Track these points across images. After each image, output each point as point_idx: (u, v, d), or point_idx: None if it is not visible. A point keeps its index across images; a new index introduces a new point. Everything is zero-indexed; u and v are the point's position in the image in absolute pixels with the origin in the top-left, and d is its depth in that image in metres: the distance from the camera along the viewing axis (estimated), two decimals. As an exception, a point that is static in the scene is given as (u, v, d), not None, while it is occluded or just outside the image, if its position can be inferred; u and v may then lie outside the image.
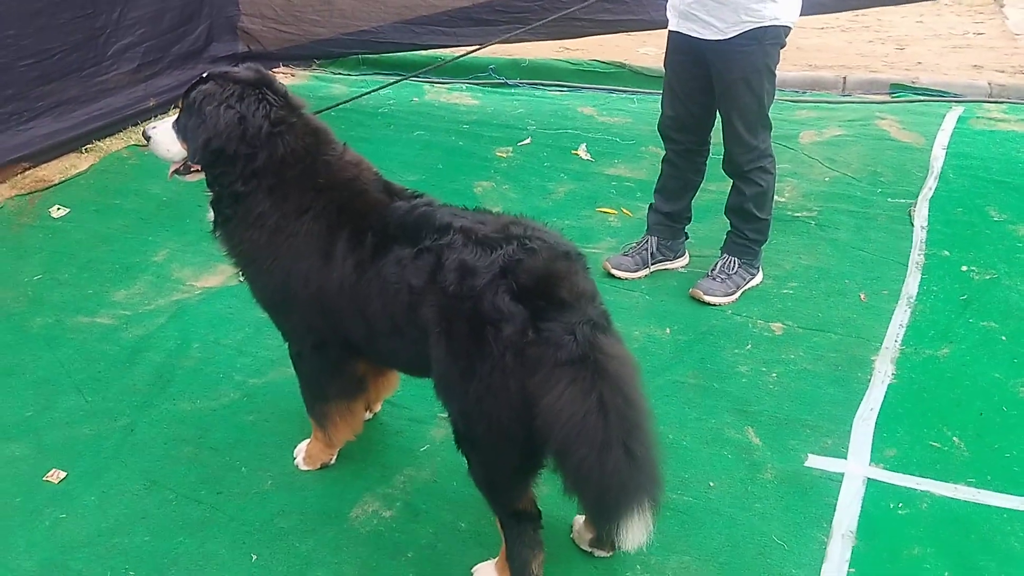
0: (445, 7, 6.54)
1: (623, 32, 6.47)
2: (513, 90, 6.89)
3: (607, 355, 2.32)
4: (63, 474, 3.15)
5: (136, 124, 6.09)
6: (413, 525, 2.94)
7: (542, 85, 6.97)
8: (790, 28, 3.79)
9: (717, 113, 4.06)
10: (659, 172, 4.35)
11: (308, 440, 3.19)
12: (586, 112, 6.45)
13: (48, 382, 3.63)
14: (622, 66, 6.99)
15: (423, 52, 6.88)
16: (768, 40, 3.72)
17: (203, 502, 3.04)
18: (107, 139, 5.87)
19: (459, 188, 5.18)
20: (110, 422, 3.41)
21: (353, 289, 2.69)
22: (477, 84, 6.99)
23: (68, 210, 4.99)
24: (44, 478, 3.14)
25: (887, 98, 6.57)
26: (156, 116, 6.22)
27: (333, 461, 3.18)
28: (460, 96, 6.79)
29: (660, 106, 4.20)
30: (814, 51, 7.44)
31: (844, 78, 6.74)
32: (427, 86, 6.94)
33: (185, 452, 3.26)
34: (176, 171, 2.95)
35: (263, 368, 3.70)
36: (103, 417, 3.44)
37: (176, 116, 2.86)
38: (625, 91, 6.82)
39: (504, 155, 5.71)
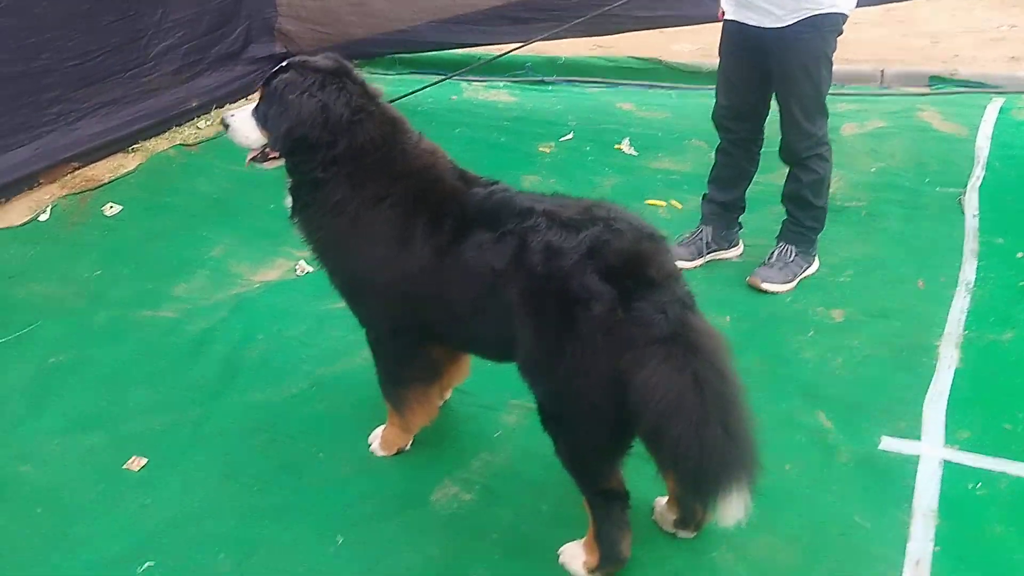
0: (481, 6, 6.56)
1: (660, 28, 6.49)
2: (550, 87, 6.92)
3: (699, 332, 2.34)
4: (143, 461, 3.18)
5: (179, 125, 6.14)
6: (494, 508, 2.96)
7: (578, 82, 6.99)
8: (847, 16, 3.80)
9: (771, 102, 4.07)
10: (713, 162, 4.36)
11: (383, 426, 3.21)
12: (625, 107, 6.47)
13: (117, 375, 3.67)
14: (658, 62, 7.01)
15: (459, 51, 6.91)
16: (827, 28, 3.74)
17: (283, 488, 3.06)
18: (152, 139, 5.91)
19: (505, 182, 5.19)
20: (183, 412, 3.44)
21: (432, 274, 2.72)
22: (514, 82, 7.01)
23: (120, 208, 5.02)
24: (124, 466, 3.17)
25: (926, 90, 6.57)
26: (199, 116, 6.28)
27: (408, 447, 3.20)
28: (498, 94, 6.82)
29: (715, 96, 4.22)
30: (850, 45, 7.39)
31: (882, 71, 6.74)
32: (464, 84, 6.97)
33: (261, 440, 3.29)
34: (253, 158, 2.97)
35: (329, 358, 3.73)
36: (176, 408, 3.46)
37: (255, 104, 2.88)
38: (662, 86, 6.83)
39: (547, 150, 5.73)
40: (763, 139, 4.24)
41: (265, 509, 2.98)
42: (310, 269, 4.39)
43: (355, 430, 3.32)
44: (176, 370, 3.69)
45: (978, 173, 5.21)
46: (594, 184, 5.26)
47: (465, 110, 6.47)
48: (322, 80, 2.75)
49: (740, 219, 4.42)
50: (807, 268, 4.20)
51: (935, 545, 2.76)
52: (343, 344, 3.80)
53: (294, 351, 3.78)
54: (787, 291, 4.11)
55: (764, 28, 3.78)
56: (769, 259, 4.17)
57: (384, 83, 6.79)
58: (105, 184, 5.33)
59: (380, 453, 3.19)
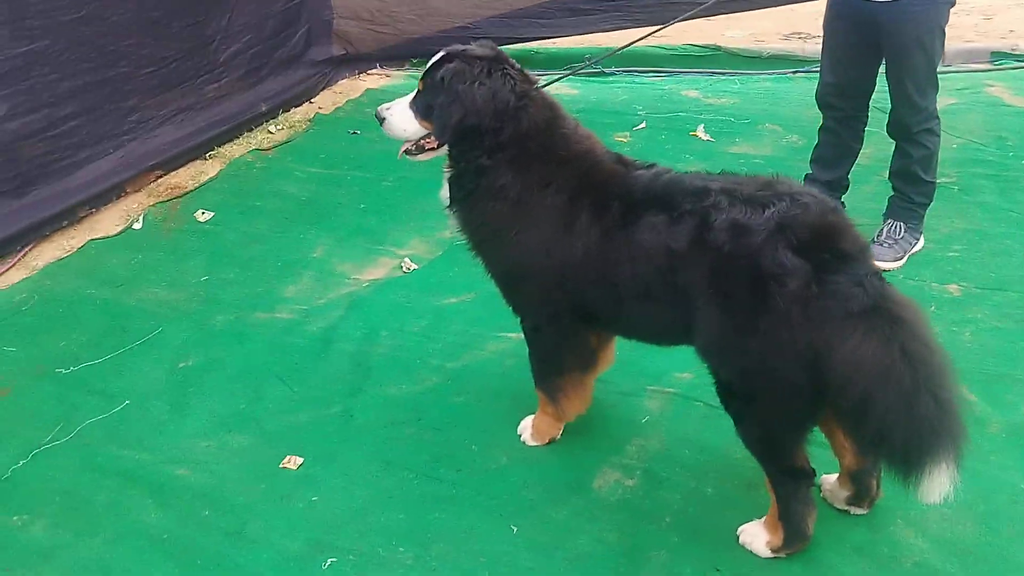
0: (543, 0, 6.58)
1: (724, 14, 6.48)
2: (610, 78, 6.91)
3: (899, 304, 2.36)
4: (299, 460, 3.20)
5: (250, 130, 6.14)
6: (660, 492, 2.98)
7: (638, 72, 6.98)
8: None
9: (877, 79, 4.09)
10: (816, 142, 4.37)
11: (534, 416, 3.23)
12: (691, 95, 6.48)
13: (248, 375, 3.69)
14: (717, 48, 7.01)
15: (522, 46, 6.92)
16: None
17: (444, 479, 3.08)
18: (227, 145, 5.91)
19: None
20: (325, 409, 3.46)
21: (599, 258, 2.74)
22: (575, 75, 6.98)
23: (212, 214, 5.04)
24: (281, 465, 3.20)
25: (989, 66, 6.56)
26: (267, 120, 6.29)
27: (559, 436, 3.21)
28: (559, 87, 6.77)
29: (819, 74, 4.23)
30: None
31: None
32: (524, 78, 6.96)
33: (408, 433, 3.31)
34: (407, 151, 2.99)
35: (455, 352, 3.75)
36: (316, 404, 3.49)
37: (413, 96, 2.89)
38: (724, 73, 6.82)
39: (624, 140, 5.74)
40: (868, 116, 4.24)
41: (431, 500, 3.00)
42: (415, 266, 4.42)
43: (499, 421, 3.34)
44: (307, 368, 3.71)
45: (1063, 144, 5.22)
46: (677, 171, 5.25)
47: (531, 104, 6.45)
48: (488, 68, 2.77)
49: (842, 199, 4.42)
50: (916, 244, 4.21)
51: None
52: (465, 338, 3.83)
53: (420, 346, 3.80)
54: (898, 268, 4.12)
55: (877, 2, 3.77)
56: (878, 236, 4.18)
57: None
58: (191, 191, 5.34)
59: (532, 443, 3.21)
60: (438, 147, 2.94)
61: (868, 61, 4.03)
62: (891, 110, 4.05)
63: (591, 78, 6.94)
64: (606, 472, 3.08)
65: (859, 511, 2.83)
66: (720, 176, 2.72)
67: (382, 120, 2.98)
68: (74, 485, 3.15)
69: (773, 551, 2.69)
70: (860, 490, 2.79)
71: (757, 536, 2.72)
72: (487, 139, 2.78)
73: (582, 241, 2.76)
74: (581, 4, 6.57)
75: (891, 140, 4.16)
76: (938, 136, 4.06)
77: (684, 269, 2.58)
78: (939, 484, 2.28)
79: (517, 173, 2.80)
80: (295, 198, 5.21)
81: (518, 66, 2.92)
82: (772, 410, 2.53)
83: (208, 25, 5.93)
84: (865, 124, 4.26)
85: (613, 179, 2.80)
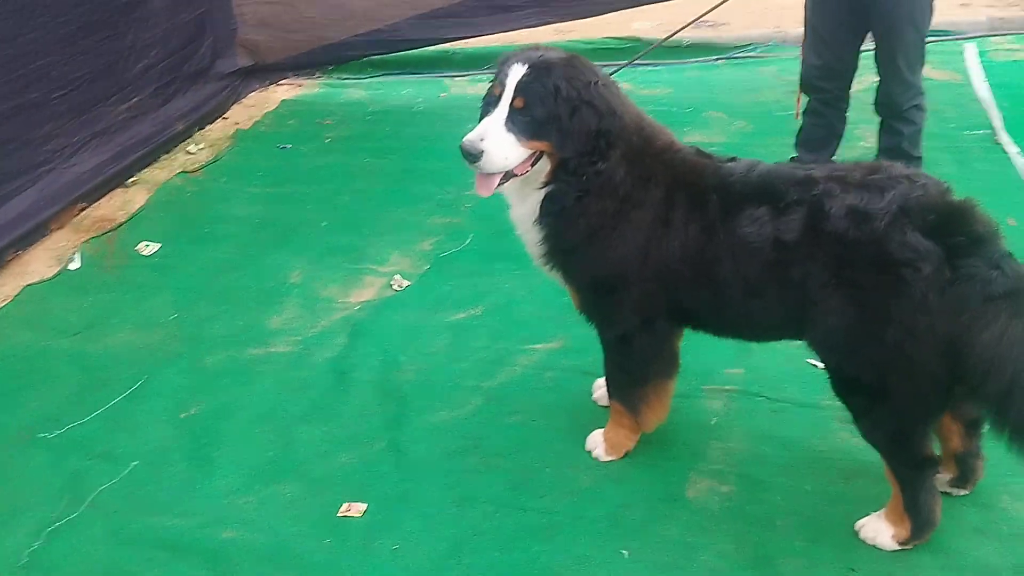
0: (461, -2, 6.37)
1: (651, 4, 6.46)
2: (535, 75, 6.76)
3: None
4: (363, 506, 2.91)
5: (167, 152, 5.67)
6: (760, 495, 2.88)
7: (561, 67, 6.86)
8: None
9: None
10: (800, 125, 4.36)
11: (604, 430, 3.08)
12: (624, 88, 6.38)
13: (267, 419, 3.37)
14: (637, 40, 6.98)
15: (439, 47, 6.71)
16: (929, -22, 3.80)
17: (531, 508, 2.88)
18: (147, 169, 5.47)
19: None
20: (368, 446, 3.19)
21: (701, 254, 2.61)
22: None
23: (158, 245, 4.61)
24: (340, 514, 2.90)
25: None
26: (184, 140, 5.83)
27: (632, 448, 3.05)
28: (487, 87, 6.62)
29: (802, 58, 4.23)
30: (779, 8, 7.60)
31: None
32: (447, 81, 6.77)
33: (472, 463, 3.09)
34: (503, 179, 2.69)
35: (488, 371, 3.54)
36: (356, 443, 3.21)
37: (504, 116, 2.60)
38: (646, 64, 6.78)
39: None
40: (850, 97, 4.26)
41: (526, 532, 2.79)
42: (407, 283, 4.18)
43: (563, 438, 3.18)
44: (330, 405, 3.41)
45: (994, 114, 5.42)
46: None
47: (465, 106, 6.19)
48: (585, 68, 2.59)
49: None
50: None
51: None
52: (493, 354, 3.63)
53: (447, 368, 3.56)
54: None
55: None
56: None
57: (361, 88, 6.58)
58: (123, 223, 4.88)
59: (607, 458, 3.04)
60: (534, 164, 2.68)
61: (854, 41, 4.06)
62: (880, 89, 4.09)
63: (515, 76, 6.77)
64: (696, 480, 2.94)
65: (962, 492, 2.79)
66: (819, 165, 2.62)
67: (477, 155, 2.56)
68: (111, 562, 2.76)
69: (900, 543, 2.61)
70: (965, 472, 2.75)
71: (881, 531, 2.64)
72: (602, 140, 2.58)
73: (680, 237, 2.63)
74: (503, 1, 6.38)
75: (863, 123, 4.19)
76: (925, 111, 4.13)
77: (798, 261, 2.47)
78: None
79: (627, 169, 2.64)
80: (247, 221, 4.83)
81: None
82: (904, 402, 2.45)
83: (118, 39, 5.43)
84: (848, 105, 4.29)
85: (705, 172, 2.67)
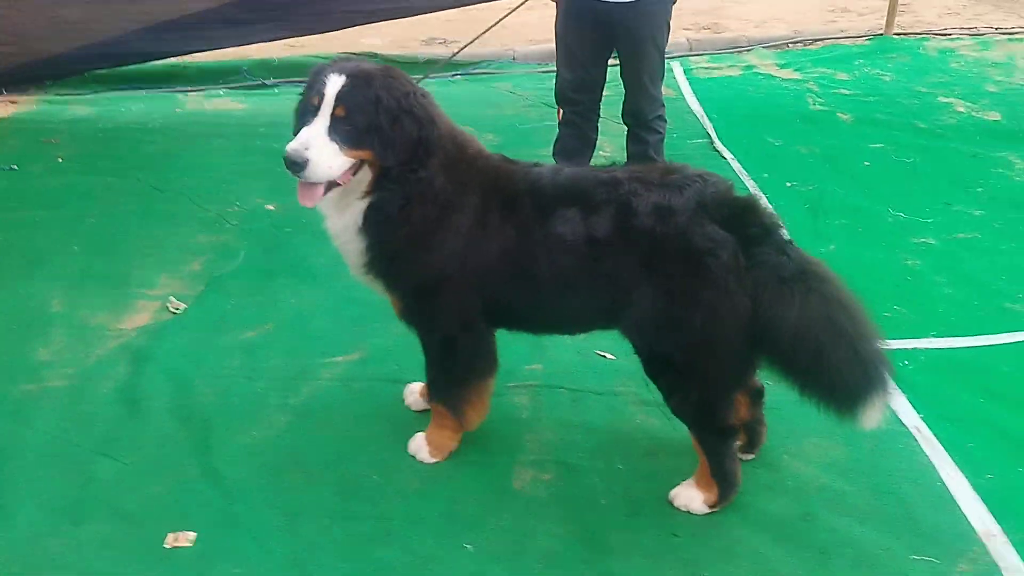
0: (192, 9, 6.15)
1: (387, 20, 6.58)
2: (275, 90, 6.68)
3: (815, 264, 2.69)
4: (191, 535, 2.80)
5: None
6: (579, 479, 3.08)
7: (298, 83, 6.79)
8: None
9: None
10: (556, 136, 4.66)
11: (425, 432, 3.15)
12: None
13: (58, 457, 3.13)
14: (374, 55, 7.06)
15: (168, 60, 6.46)
16: (671, 0, 4.22)
17: (366, 516, 2.91)
18: None
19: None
20: (180, 474, 3.06)
21: (517, 254, 2.79)
22: (233, 89, 6.66)
23: None
24: (167, 545, 2.77)
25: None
26: None
27: (455, 448, 3.15)
28: (225, 102, 6.47)
29: (556, 71, 4.53)
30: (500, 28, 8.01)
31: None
32: (180, 96, 6.52)
33: (296, 480, 3.06)
34: (326, 189, 2.70)
35: (290, 387, 3.50)
36: (166, 472, 3.07)
37: (325, 126, 2.60)
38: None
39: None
40: (600, 107, 4.63)
41: (366, 540, 2.81)
42: (184, 305, 4.00)
43: (383, 446, 3.22)
44: (128, 436, 3.22)
45: (708, 125, 6.08)
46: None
47: (206, 122, 6.06)
48: (403, 78, 2.65)
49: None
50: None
51: None
52: (291, 370, 3.60)
53: (247, 387, 3.48)
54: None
55: (616, 3, 4.14)
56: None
57: (86, 104, 6.20)
58: None
59: (431, 460, 3.12)
60: (354, 173, 2.70)
61: (603, 57, 4.41)
62: (626, 101, 4.49)
63: (254, 91, 6.68)
64: (519, 472, 3.09)
65: (750, 456, 3.14)
66: (618, 168, 2.86)
67: (303, 163, 2.56)
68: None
69: (711, 507, 2.91)
70: (752, 437, 3.11)
71: (693, 497, 2.92)
72: (421, 149, 2.65)
73: (499, 239, 2.77)
74: (238, 14, 6.22)
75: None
76: (666, 121, 4.56)
77: (610, 255, 2.69)
78: (878, 411, 2.63)
79: (445, 176, 2.74)
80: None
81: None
82: (711, 377, 2.75)
83: None
84: (599, 115, 4.64)
85: (515, 176, 2.84)
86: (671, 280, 2.65)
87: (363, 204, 2.75)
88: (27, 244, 4.44)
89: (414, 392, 3.37)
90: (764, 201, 2.78)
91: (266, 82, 6.72)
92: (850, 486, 3.05)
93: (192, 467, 3.07)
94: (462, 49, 5.26)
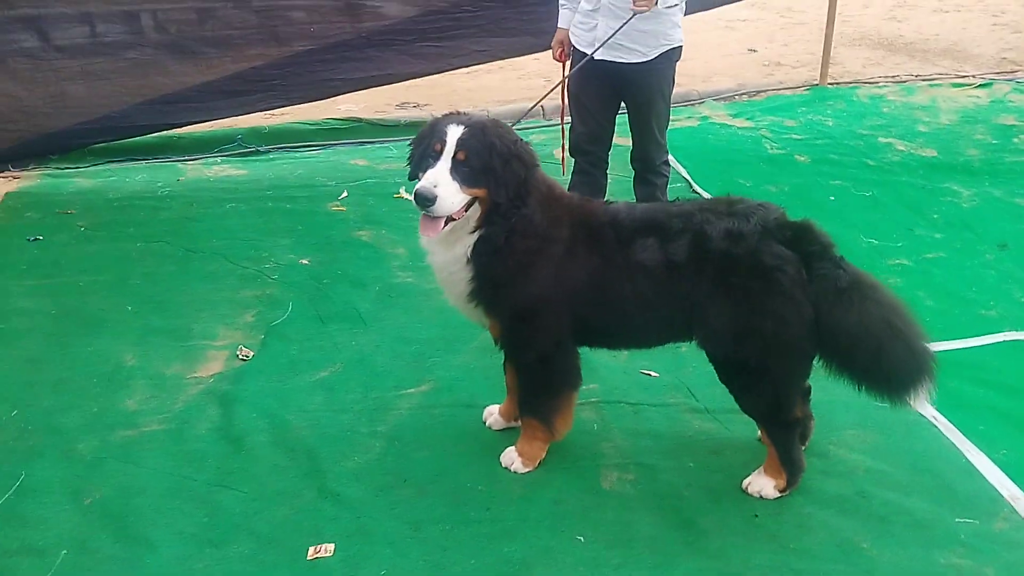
0: (191, 82, 6.48)
1: (374, 87, 6.98)
2: (270, 156, 6.98)
3: (865, 275, 3.16)
4: (331, 546, 3.11)
5: None
6: (659, 475, 3.48)
7: (291, 148, 7.15)
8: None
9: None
10: (569, 184, 5.11)
11: (516, 445, 3.51)
12: (361, 163, 6.85)
13: (179, 491, 3.39)
14: (359, 120, 7.46)
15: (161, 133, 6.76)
16: (675, 58, 4.75)
17: (481, 519, 3.25)
18: None
19: (346, 241, 5.44)
20: (299, 497, 3.36)
21: (602, 280, 3.19)
22: (229, 156, 6.95)
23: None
24: (311, 557, 3.08)
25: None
26: None
27: (544, 456, 3.51)
28: (224, 168, 6.74)
29: (570, 126, 4.99)
30: (467, 91, 8.53)
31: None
32: (180, 165, 6.75)
33: (407, 494, 3.38)
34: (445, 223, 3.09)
35: (376, 418, 3.80)
36: (286, 496, 3.37)
37: (448, 167, 3.01)
38: (373, 142, 7.28)
39: (341, 208, 5.95)
40: (610, 156, 5.11)
41: (485, 538, 3.15)
42: (251, 352, 4.27)
43: (478, 460, 3.55)
44: (240, 470, 3.49)
45: (683, 170, 6.60)
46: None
47: (213, 188, 6.33)
48: (509, 129, 3.07)
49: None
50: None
51: None
52: (373, 403, 3.91)
53: (337, 420, 3.78)
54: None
55: (629, 64, 4.64)
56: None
57: (87, 176, 6.45)
58: None
59: (525, 469, 3.47)
60: (466, 209, 3.09)
61: (613, 112, 4.90)
62: (635, 148, 4.98)
63: (250, 158, 6.97)
64: (606, 474, 3.47)
65: (802, 447, 3.55)
66: (688, 201, 3.30)
67: (432, 199, 2.97)
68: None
69: (781, 491, 3.32)
70: (804, 431, 3.53)
71: (765, 484, 3.33)
72: (523, 188, 3.06)
73: (587, 267, 3.17)
74: (234, 86, 6.56)
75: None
76: (670, 166, 5.05)
77: (689, 277, 3.12)
78: (927, 394, 3.10)
79: (542, 212, 3.14)
80: (40, 314, 4.60)
81: None
82: (780, 377, 3.18)
83: None
84: (608, 164, 5.11)
85: (597, 212, 3.26)
86: (745, 294, 3.08)
87: (473, 238, 3.14)
88: (82, 307, 4.65)
89: (493, 413, 3.72)
90: (817, 225, 3.21)
91: (260, 148, 7.02)
92: (891, 467, 3.50)
93: (309, 490, 3.37)
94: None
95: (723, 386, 3.33)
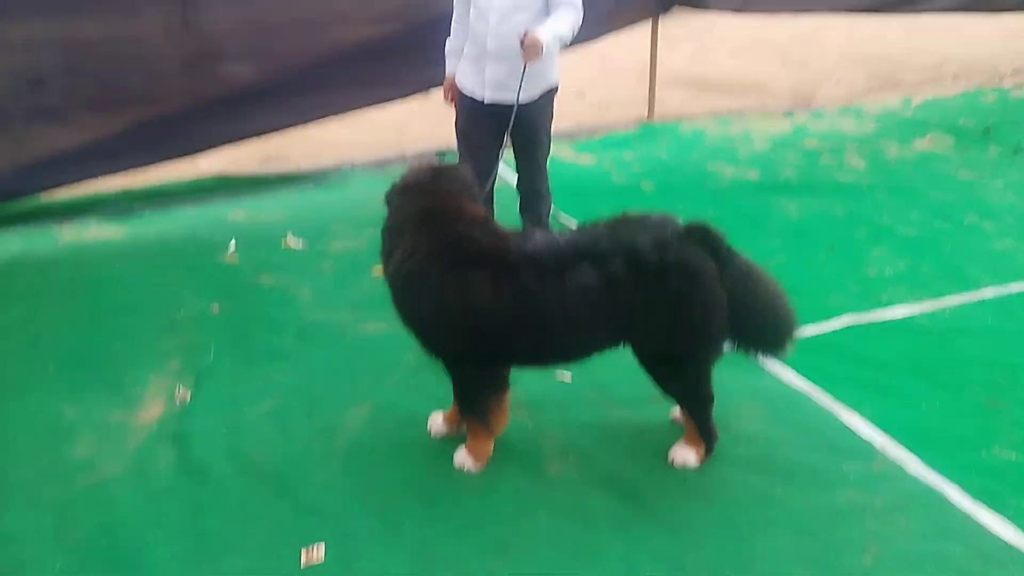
0: (65, 146, 6.56)
1: (243, 140, 7.22)
2: (144, 216, 7.00)
3: (752, 262, 3.76)
4: (321, 544, 3.41)
5: None
6: (598, 455, 3.95)
7: (162, 207, 7.21)
8: None
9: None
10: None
11: (464, 446, 3.90)
12: (240, 217, 6.98)
13: (159, 525, 3.58)
14: (221, 178, 7.62)
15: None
16: (554, 94, 5.34)
17: (447, 517, 3.61)
18: None
19: (250, 287, 5.69)
20: (278, 515, 3.63)
21: (516, 311, 3.59)
22: (104, 218, 6.94)
23: None
24: (304, 564, 3.36)
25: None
26: None
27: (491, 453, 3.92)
28: (103, 230, 6.74)
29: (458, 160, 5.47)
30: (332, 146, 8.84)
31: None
32: (55, 229, 6.68)
33: (378, 501, 3.71)
34: None
35: (327, 437, 4.09)
36: (265, 518, 3.62)
37: None
38: (246, 196, 7.44)
39: (233, 261, 6.11)
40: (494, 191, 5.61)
41: (464, 526, 3.54)
42: (189, 393, 4.45)
43: (435, 464, 3.91)
44: (213, 498, 3.70)
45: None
46: (320, 272, 5.90)
47: (96, 250, 6.32)
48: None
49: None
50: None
51: None
52: (321, 425, 4.17)
53: (290, 445, 4.03)
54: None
55: (515, 105, 5.16)
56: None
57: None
58: None
59: (477, 468, 3.86)
60: None
61: (496, 147, 5.39)
62: (521, 179, 5.55)
63: (124, 218, 6.95)
64: (550, 462, 3.91)
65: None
66: (593, 225, 3.75)
67: None
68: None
69: (701, 459, 3.87)
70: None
71: (688, 455, 3.87)
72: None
73: (496, 300, 3.57)
74: (112, 146, 6.65)
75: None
76: (551, 193, 5.62)
77: (609, 296, 3.54)
78: (792, 347, 3.76)
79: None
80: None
81: None
82: (703, 360, 3.73)
83: None
84: (493, 199, 5.60)
85: (501, 246, 3.67)
86: (679, 294, 3.54)
87: None
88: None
89: (437, 420, 4.09)
90: (713, 224, 3.76)
91: (133, 208, 7.07)
92: (784, 431, 4.12)
93: (287, 507, 3.64)
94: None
95: (631, 380, 3.89)
